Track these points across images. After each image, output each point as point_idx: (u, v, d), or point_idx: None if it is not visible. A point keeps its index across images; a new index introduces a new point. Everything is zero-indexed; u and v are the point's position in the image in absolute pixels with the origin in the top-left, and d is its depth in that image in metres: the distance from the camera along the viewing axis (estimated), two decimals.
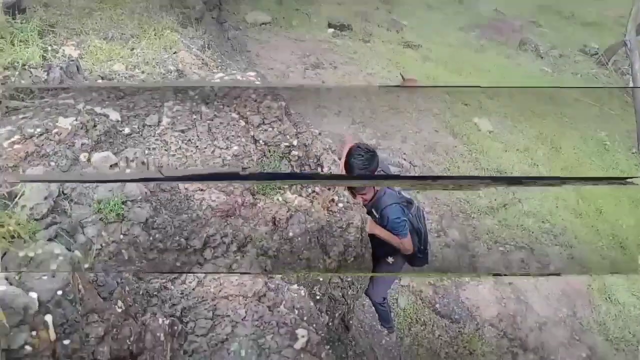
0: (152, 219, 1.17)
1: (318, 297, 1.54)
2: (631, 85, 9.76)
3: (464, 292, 5.02)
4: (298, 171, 1.50)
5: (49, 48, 2.14)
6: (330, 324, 1.69)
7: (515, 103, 8.86)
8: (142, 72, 1.93)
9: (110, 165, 1.15)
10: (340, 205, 1.62)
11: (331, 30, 10.14)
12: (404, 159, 6.39)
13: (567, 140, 8.11)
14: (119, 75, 1.88)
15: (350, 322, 2.11)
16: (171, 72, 1.97)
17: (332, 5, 11.23)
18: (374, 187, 3.08)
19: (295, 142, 1.48)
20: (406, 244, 3.26)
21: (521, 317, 4.92)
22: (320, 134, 1.61)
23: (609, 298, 5.55)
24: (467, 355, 4.42)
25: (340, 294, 1.69)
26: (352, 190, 3.00)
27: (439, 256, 5.38)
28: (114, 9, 2.88)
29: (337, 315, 1.71)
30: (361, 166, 2.89)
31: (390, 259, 3.58)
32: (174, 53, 2.27)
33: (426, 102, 8.05)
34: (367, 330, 3.11)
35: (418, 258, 3.59)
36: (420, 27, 11.64)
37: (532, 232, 6.07)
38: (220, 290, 1.20)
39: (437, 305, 4.79)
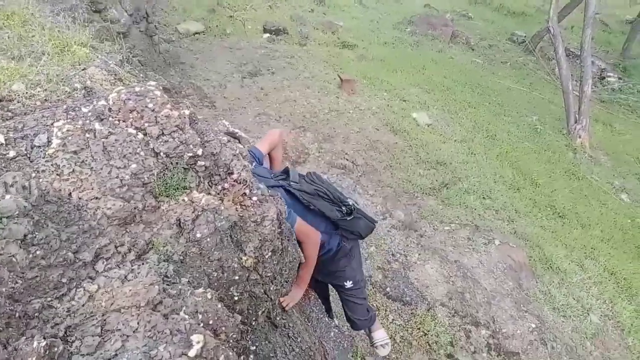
0: (33, 234, 1.09)
1: (236, 298, 1.49)
2: (557, 69, 10.30)
3: (412, 273, 5.11)
4: (206, 182, 1.45)
5: None
6: (253, 322, 1.64)
7: (451, 96, 9.14)
8: (44, 91, 1.83)
9: None
10: (255, 198, 1.56)
11: (267, 35, 10.10)
12: (347, 159, 6.43)
13: (502, 127, 8.44)
14: (18, 95, 1.78)
15: (277, 318, 2.05)
16: (77, 90, 1.88)
17: (266, 10, 11.20)
18: None
19: (200, 152, 1.42)
20: (301, 232, 2.57)
21: (470, 294, 5.05)
22: (229, 140, 1.56)
23: (551, 267, 5.80)
24: (421, 337, 4.49)
25: (262, 290, 1.64)
26: None
27: (387, 239, 5.45)
28: (23, 25, 2.75)
29: (260, 313, 1.66)
30: None
31: (348, 283, 3.19)
32: (83, 69, 2.18)
33: (365, 101, 8.15)
34: (314, 325, 3.06)
35: (348, 220, 2.97)
36: (355, 27, 11.81)
37: (475, 209, 6.25)
38: (112, 303, 1.13)
39: (388, 289, 4.84)
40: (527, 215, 6.61)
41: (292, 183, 2.78)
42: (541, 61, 12.19)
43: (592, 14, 8.86)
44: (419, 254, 5.44)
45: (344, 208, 2.90)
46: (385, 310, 4.66)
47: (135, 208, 1.25)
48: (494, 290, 5.27)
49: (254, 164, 2.73)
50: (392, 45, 11.25)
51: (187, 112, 1.40)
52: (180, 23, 9.35)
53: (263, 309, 1.65)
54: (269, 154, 3.19)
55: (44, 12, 3.23)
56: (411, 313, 4.70)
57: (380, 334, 3.66)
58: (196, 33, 9.24)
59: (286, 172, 2.91)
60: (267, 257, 1.54)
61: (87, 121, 1.29)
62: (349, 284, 3.19)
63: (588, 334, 5.09)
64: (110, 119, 1.32)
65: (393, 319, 4.61)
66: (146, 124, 1.33)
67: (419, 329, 4.55)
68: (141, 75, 3.26)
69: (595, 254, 6.28)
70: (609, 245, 6.49)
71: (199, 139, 1.39)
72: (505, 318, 5.04)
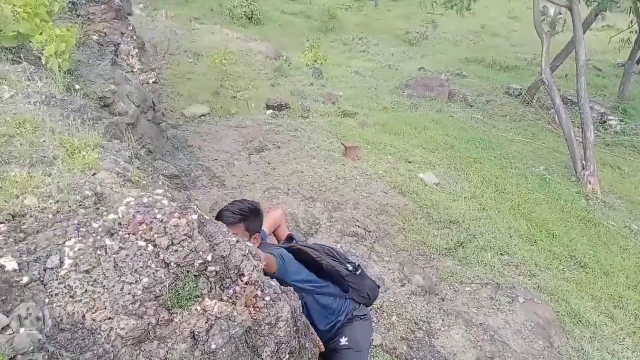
0: None
1: None
2: (557, 118, 10.43)
3: (438, 340, 4.91)
4: (217, 287, 1.44)
5: None
6: None
7: (456, 153, 9.23)
8: (56, 202, 1.86)
9: (2, 328, 1.07)
10: (267, 298, 1.54)
11: (270, 111, 10.42)
12: (358, 226, 6.41)
13: (510, 180, 8.44)
14: (30, 209, 1.81)
15: None
16: (88, 198, 1.92)
17: (268, 88, 11.62)
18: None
19: (209, 257, 1.43)
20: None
21: (500, 358, 4.82)
22: (238, 242, 1.57)
23: (580, 321, 5.58)
24: None
25: None
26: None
27: (407, 306, 5.29)
28: (34, 132, 2.84)
29: None
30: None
31: (343, 340, 2.94)
32: (93, 174, 2.23)
33: (371, 166, 8.24)
34: None
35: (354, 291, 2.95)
36: (354, 95, 12.17)
37: (494, 266, 6.12)
38: None
39: None
40: (548, 268, 6.46)
41: (299, 242, 2.90)
42: (540, 111, 12.39)
43: (583, 62, 9.10)
44: (443, 320, 5.27)
45: (349, 265, 2.94)
46: None
47: (148, 324, 1.24)
48: (524, 351, 5.05)
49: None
50: (392, 109, 11.53)
51: (195, 216, 1.42)
52: (186, 107, 9.71)
53: None
54: (273, 232, 3.24)
55: (54, 117, 3.36)
56: None
57: None
58: (202, 115, 9.57)
59: (290, 238, 3.02)
60: (284, 359, 1.50)
61: (98, 237, 1.32)
62: (343, 341, 2.93)
63: None
64: (121, 232, 1.35)
65: None
66: (155, 235, 1.35)
67: None
68: (150, 169, 3.33)
69: (623, 302, 6.07)
70: (636, 292, 6.29)
71: (208, 244, 1.40)
72: None
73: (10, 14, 3.90)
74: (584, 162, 8.87)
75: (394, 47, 18.04)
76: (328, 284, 2.88)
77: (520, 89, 13.51)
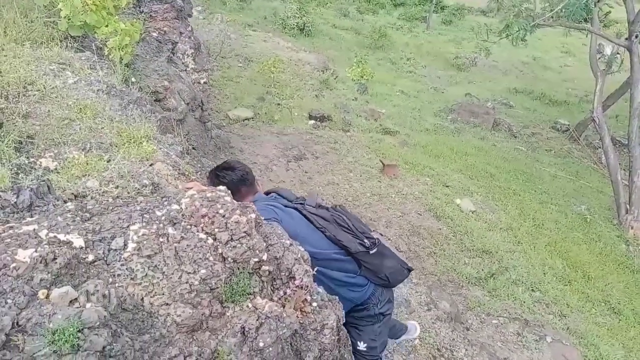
0: (110, 345, 1.11)
1: None
2: (604, 158, 10.12)
3: None
4: (269, 287, 1.48)
5: (26, 161, 2.15)
6: None
7: (495, 182, 9.08)
8: (116, 188, 1.94)
9: (70, 301, 1.12)
10: (315, 304, 1.56)
11: (312, 122, 10.51)
12: (389, 245, 6.36)
13: (549, 216, 8.23)
14: (92, 191, 1.88)
15: None
16: (146, 186, 1.99)
17: (312, 99, 11.73)
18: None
19: (265, 257, 1.46)
20: None
21: None
22: (291, 244, 1.60)
23: None
24: None
25: None
26: None
27: (432, 331, 5.21)
28: (94, 118, 2.94)
29: None
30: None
31: (362, 345, 2.74)
32: (150, 165, 2.30)
33: (407, 186, 8.19)
34: None
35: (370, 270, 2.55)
36: (397, 114, 12.15)
37: (524, 302, 5.97)
38: None
39: None
40: (580, 310, 6.25)
41: (306, 206, 2.54)
42: (586, 150, 12.05)
43: (638, 105, 8.83)
44: (466, 349, 5.16)
45: (366, 241, 2.52)
46: None
47: (202, 314, 1.28)
48: None
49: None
50: (434, 132, 11.45)
51: (253, 215, 1.46)
52: (231, 110, 9.90)
53: None
54: None
55: (113, 106, 3.50)
56: None
57: None
58: (246, 119, 9.74)
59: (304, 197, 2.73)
60: None
61: (161, 225, 1.37)
62: (362, 346, 2.72)
63: None
64: (183, 223, 1.40)
65: None
66: (216, 230, 1.40)
67: None
68: (198, 165, 3.41)
69: None
70: None
71: (264, 244, 1.44)
72: None
73: (80, 4, 4.05)
74: (628, 206, 8.57)
75: (442, 70, 17.95)
76: (341, 256, 2.52)
77: (568, 124, 13.18)
